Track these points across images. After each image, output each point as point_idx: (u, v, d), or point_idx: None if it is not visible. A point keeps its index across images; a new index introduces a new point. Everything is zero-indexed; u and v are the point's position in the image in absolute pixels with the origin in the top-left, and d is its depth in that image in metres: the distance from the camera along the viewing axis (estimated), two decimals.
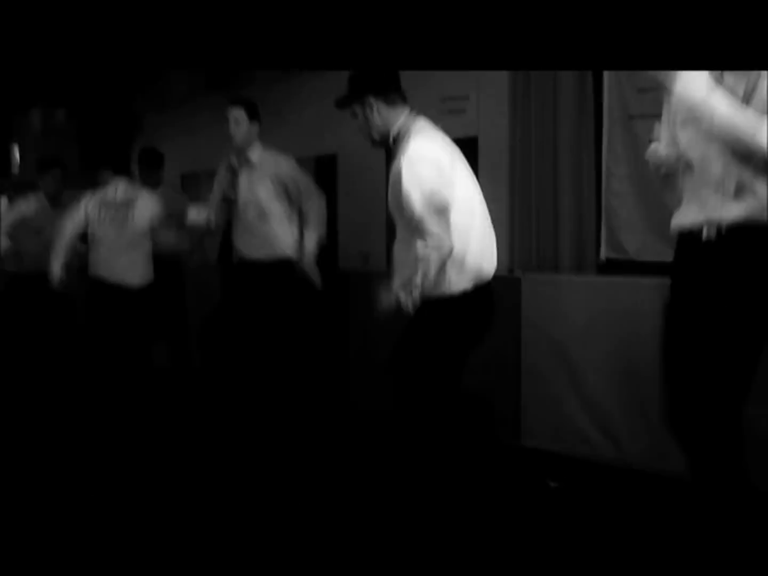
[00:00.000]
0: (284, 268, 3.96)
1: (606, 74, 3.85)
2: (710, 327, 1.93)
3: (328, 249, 5.51)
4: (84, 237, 4.40)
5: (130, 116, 7.08)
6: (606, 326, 3.49)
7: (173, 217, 4.44)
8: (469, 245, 2.60)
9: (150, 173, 5.17)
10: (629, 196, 3.73)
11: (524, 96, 4.14)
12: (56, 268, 4.23)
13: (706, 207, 1.96)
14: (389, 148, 2.75)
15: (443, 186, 2.55)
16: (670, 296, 2.09)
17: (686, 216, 2.04)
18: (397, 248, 2.72)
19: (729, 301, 1.91)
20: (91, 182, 4.46)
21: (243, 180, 3.95)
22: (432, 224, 2.49)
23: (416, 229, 2.53)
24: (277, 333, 4.01)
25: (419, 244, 2.51)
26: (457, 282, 2.59)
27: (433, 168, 2.55)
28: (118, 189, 4.35)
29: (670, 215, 2.14)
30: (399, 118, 2.70)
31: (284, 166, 3.98)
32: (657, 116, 3.62)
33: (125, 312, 4.29)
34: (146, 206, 4.36)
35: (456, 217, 2.56)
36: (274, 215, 3.96)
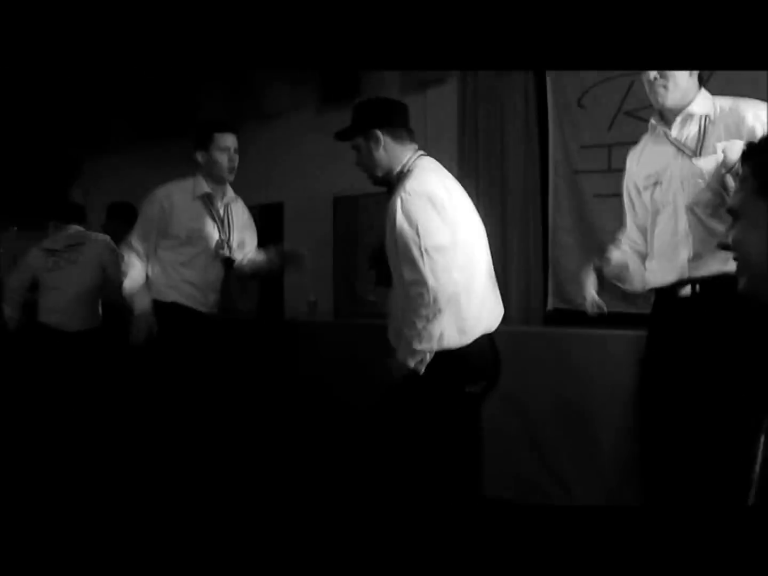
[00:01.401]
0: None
1: (551, 132, 3.95)
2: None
3: (273, 298, 5.43)
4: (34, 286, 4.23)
5: (67, 160, 6.91)
6: (554, 376, 3.49)
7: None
8: (470, 293, 2.34)
9: (121, 228, 4.46)
10: (575, 248, 3.79)
11: (473, 151, 4.20)
12: (9, 312, 4.14)
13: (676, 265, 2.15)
14: (391, 187, 2.44)
15: (441, 225, 2.28)
16: (646, 351, 2.26)
17: (658, 274, 2.24)
18: (394, 294, 2.42)
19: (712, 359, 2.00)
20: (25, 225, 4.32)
21: (234, 213, 3.49)
22: (421, 268, 2.23)
23: (404, 272, 2.28)
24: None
25: (406, 290, 2.26)
26: (454, 336, 2.31)
27: (429, 205, 2.28)
28: (65, 235, 4.24)
29: None
30: (405, 155, 2.42)
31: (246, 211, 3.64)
32: (599, 172, 3.75)
33: (69, 357, 4.13)
34: (96, 249, 4.20)
35: (455, 261, 2.29)
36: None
